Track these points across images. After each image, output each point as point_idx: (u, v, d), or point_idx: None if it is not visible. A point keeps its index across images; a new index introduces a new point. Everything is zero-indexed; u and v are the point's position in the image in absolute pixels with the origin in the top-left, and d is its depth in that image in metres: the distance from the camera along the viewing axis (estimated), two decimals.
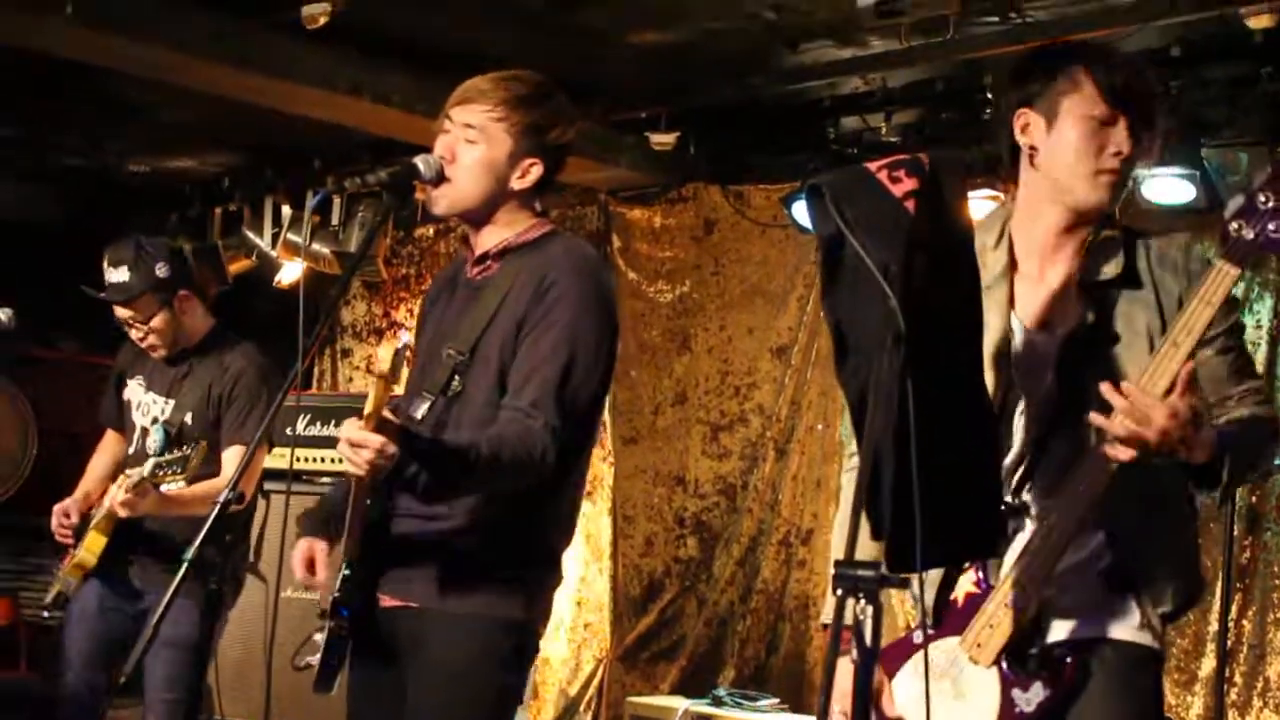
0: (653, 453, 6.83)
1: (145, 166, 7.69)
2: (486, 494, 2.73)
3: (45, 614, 4.34)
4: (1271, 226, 2.32)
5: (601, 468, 6.84)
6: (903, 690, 2.54)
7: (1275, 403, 2.68)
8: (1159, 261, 2.54)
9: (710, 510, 6.66)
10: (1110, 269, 2.52)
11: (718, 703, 5.81)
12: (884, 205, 2.03)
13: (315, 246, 7.20)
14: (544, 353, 2.73)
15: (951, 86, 5.66)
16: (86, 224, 7.42)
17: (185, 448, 3.93)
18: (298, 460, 5.93)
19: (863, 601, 1.88)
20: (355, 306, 8.11)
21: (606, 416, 6.69)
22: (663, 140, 6.19)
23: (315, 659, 2.71)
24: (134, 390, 4.39)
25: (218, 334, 4.37)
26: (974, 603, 2.48)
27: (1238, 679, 5.28)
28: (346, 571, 2.74)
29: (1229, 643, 5.14)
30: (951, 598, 2.52)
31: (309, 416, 5.99)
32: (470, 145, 2.82)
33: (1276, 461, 4.77)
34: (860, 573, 1.90)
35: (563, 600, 6.85)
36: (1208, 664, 5.28)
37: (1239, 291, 3.61)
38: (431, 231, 7.70)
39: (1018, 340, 2.54)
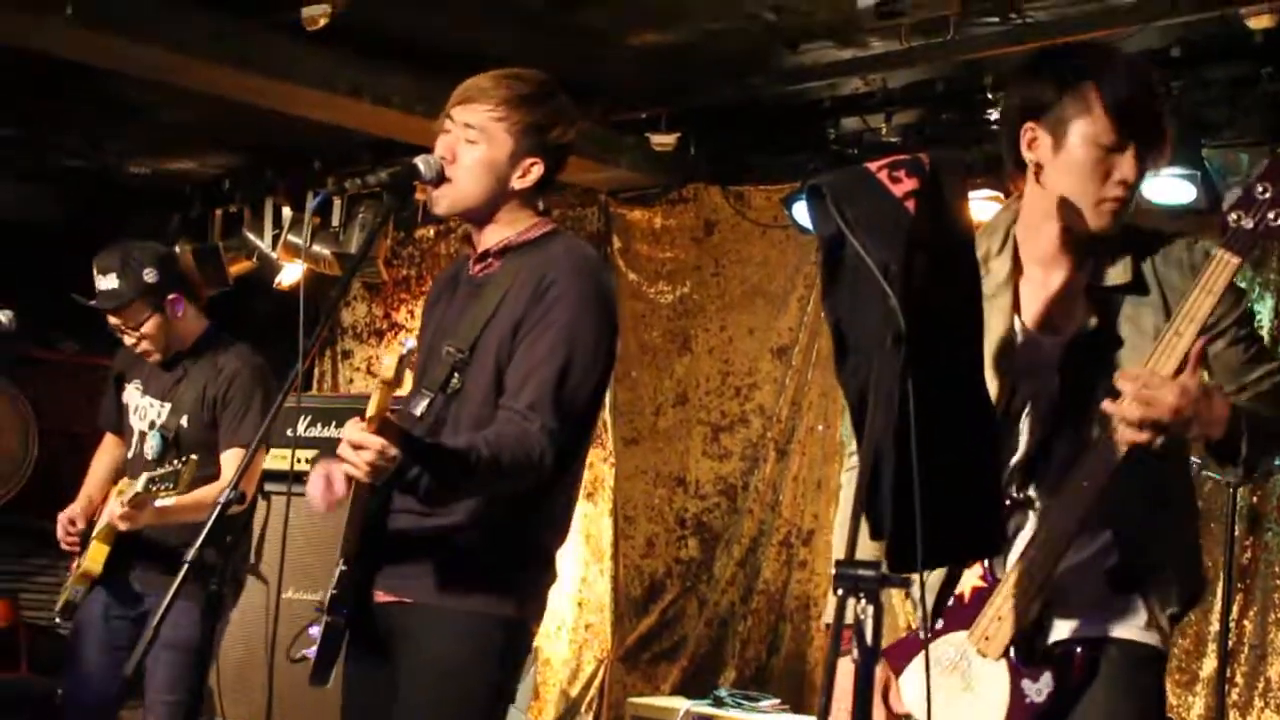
0: (653, 453, 6.83)
1: (145, 167, 7.69)
2: (486, 496, 2.73)
3: (57, 621, 4.35)
4: (1270, 215, 2.33)
5: (602, 468, 6.84)
6: (910, 687, 2.54)
7: None
8: (1164, 261, 2.54)
9: (711, 511, 6.66)
10: (1116, 274, 2.52)
11: (719, 703, 5.81)
12: (884, 205, 2.02)
13: (316, 248, 7.20)
14: (542, 354, 2.73)
15: (952, 87, 5.65)
16: (87, 225, 7.43)
17: (178, 461, 3.93)
18: (298, 461, 5.94)
19: (863, 601, 1.88)
20: (356, 308, 8.11)
21: (607, 417, 6.69)
22: (663, 141, 6.19)
23: (311, 652, 2.72)
24: (131, 394, 4.39)
25: (212, 335, 4.37)
26: (981, 596, 2.50)
27: (1239, 679, 5.28)
28: (343, 567, 2.75)
29: (1230, 643, 5.13)
30: (958, 592, 2.53)
31: (309, 418, 5.99)
32: (471, 145, 2.82)
33: (1278, 463, 4.78)
34: (861, 572, 1.90)
35: (564, 601, 6.85)
36: (1209, 664, 5.28)
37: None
38: (432, 233, 7.70)
39: (1022, 343, 2.54)
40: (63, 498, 4.45)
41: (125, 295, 4.19)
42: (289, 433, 5.79)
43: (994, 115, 5.41)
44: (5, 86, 6.23)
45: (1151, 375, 2.29)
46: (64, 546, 4.29)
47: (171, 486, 3.89)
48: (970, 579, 2.52)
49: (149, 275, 4.21)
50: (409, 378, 2.96)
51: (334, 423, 5.98)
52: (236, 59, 5.45)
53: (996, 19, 4.95)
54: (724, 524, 6.61)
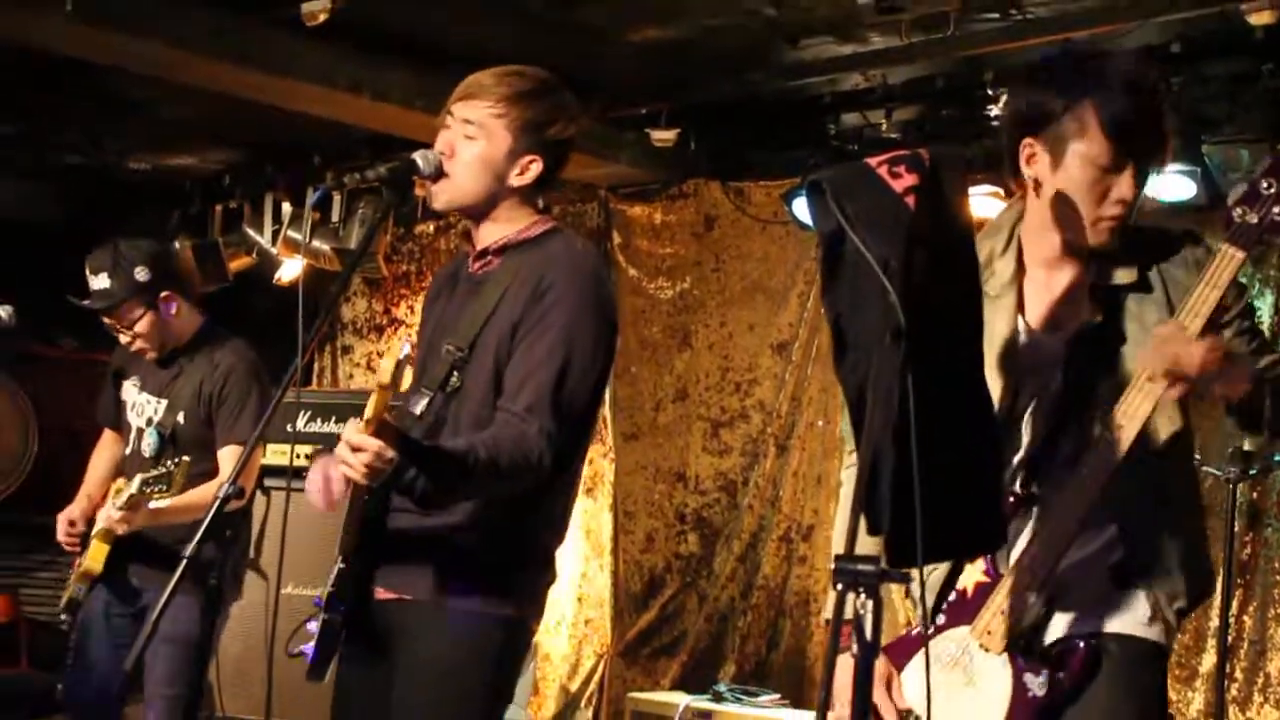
0: (653, 449, 6.83)
1: (145, 164, 7.68)
2: (483, 497, 2.73)
3: (63, 618, 4.36)
4: (1275, 210, 2.35)
5: (602, 464, 6.84)
6: (912, 684, 2.55)
7: None
8: (1168, 259, 2.55)
9: (711, 506, 6.66)
10: (1122, 275, 2.53)
11: (718, 698, 5.82)
12: (884, 201, 2.02)
13: (315, 243, 7.20)
14: (540, 356, 2.73)
15: (952, 83, 5.65)
16: (86, 222, 7.42)
17: (171, 462, 3.94)
18: (298, 457, 5.94)
19: (863, 596, 1.88)
20: (355, 303, 8.10)
21: (607, 412, 6.69)
22: (663, 137, 6.19)
23: (308, 648, 2.72)
24: (129, 390, 4.40)
25: (207, 331, 4.37)
26: (984, 592, 2.50)
27: (1238, 675, 5.28)
28: (341, 565, 2.75)
29: (1230, 638, 5.13)
30: (960, 588, 2.54)
31: (309, 413, 6.00)
32: (469, 141, 2.82)
33: (1278, 459, 4.77)
34: (860, 567, 1.90)
35: (564, 596, 6.85)
36: (1208, 660, 5.28)
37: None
38: (432, 228, 7.69)
39: (1025, 342, 2.55)
40: (63, 494, 4.46)
41: (117, 295, 4.19)
42: (289, 428, 5.78)
43: (994, 111, 5.41)
44: (5, 84, 6.22)
45: (1179, 329, 2.32)
46: (65, 548, 4.30)
47: (165, 489, 3.90)
48: (973, 574, 2.53)
49: (140, 274, 4.20)
50: (408, 374, 2.96)
51: (334, 418, 5.98)
52: (236, 55, 5.45)
53: (997, 15, 4.94)
54: (724, 519, 6.61)
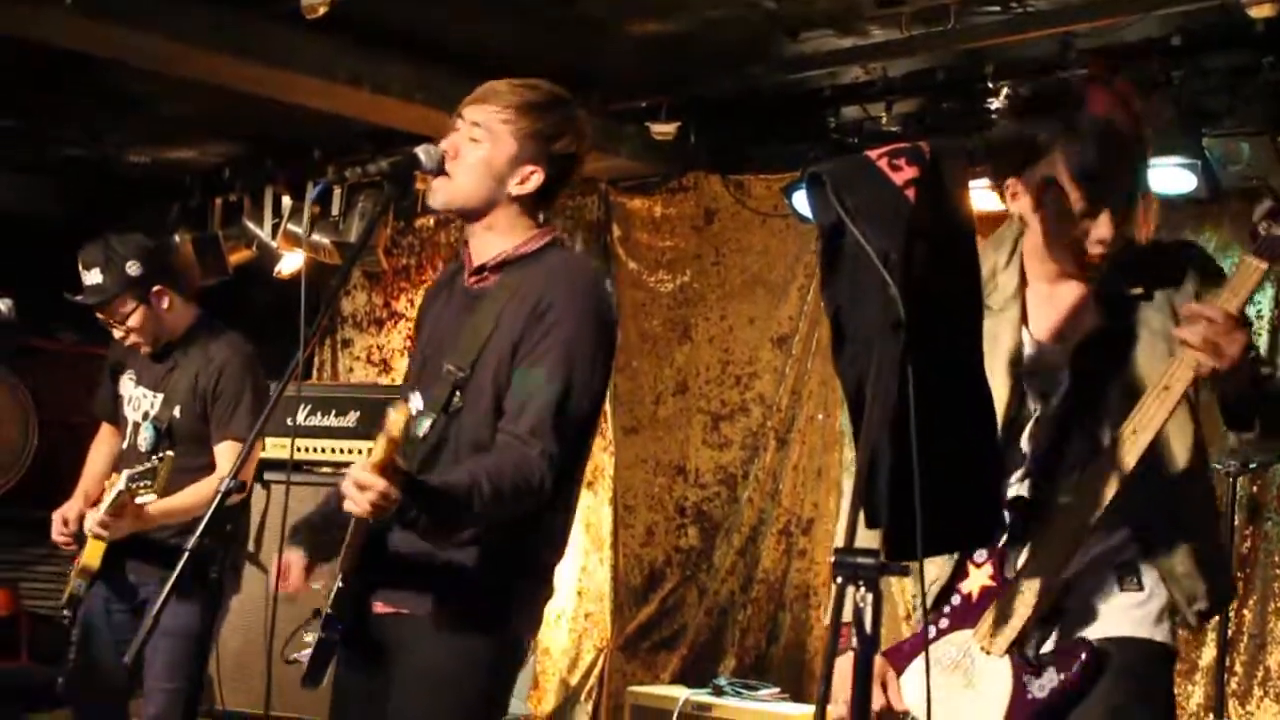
0: (653, 442, 6.83)
1: (145, 157, 7.68)
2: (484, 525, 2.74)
3: (65, 614, 4.36)
4: None
5: (602, 457, 6.84)
6: (911, 687, 2.55)
7: None
8: (1171, 276, 2.57)
9: (711, 500, 6.66)
10: (1128, 286, 2.55)
11: (718, 692, 5.82)
12: (884, 193, 2.02)
13: (315, 237, 7.20)
14: (541, 379, 2.73)
15: (952, 76, 5.64)
16: (86, 216, 7.42)
17: (155, 458, 3.94)
18: (298, 450, 5.95)
19: (863, 589, 1.88)
20: (355, 297, 8.10)
21: (607, 406, 6.67)
22: (663, 130, 6.18)
23: (304, 655, 2.73)
24: (126, 384, 4.39)
25: (202, 324, 4.36)
26: (989, 596, 2.50)
27: (1238, 668, 5.28)
28: (340, 585, 2.75)
29: (1229, 632, 5.14)
30: (965, 592, 2.53)
31: (309, 407, 5.99)
32: (474, 144, 2.82)
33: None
34: (860, 560, 1.90)
35: (563, 590, 6.85)
36: (1208, 653, 5.28)
37: None
38: (432, 222, 7.68)
39: (1030, 353, 2.56)
40: (62, 487, 4.45)
41: (109, 290, 4.19)
42: (289, 422, 5.79)
43: (994, 104, 5.41)
44: (4, 78, 6.21)
45: (1224, 313, 2.33)
46: (60, 547, 4.30)
47: (149, 484, 3.89)
48: (979, 579, 2.53)
49: (132, 268, 4.20)
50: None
51: (333, 411, 5.98)
52: (236, 48, 5.45)
53: (997, 8, 4.94)
54: (724, 513, 6.61)
